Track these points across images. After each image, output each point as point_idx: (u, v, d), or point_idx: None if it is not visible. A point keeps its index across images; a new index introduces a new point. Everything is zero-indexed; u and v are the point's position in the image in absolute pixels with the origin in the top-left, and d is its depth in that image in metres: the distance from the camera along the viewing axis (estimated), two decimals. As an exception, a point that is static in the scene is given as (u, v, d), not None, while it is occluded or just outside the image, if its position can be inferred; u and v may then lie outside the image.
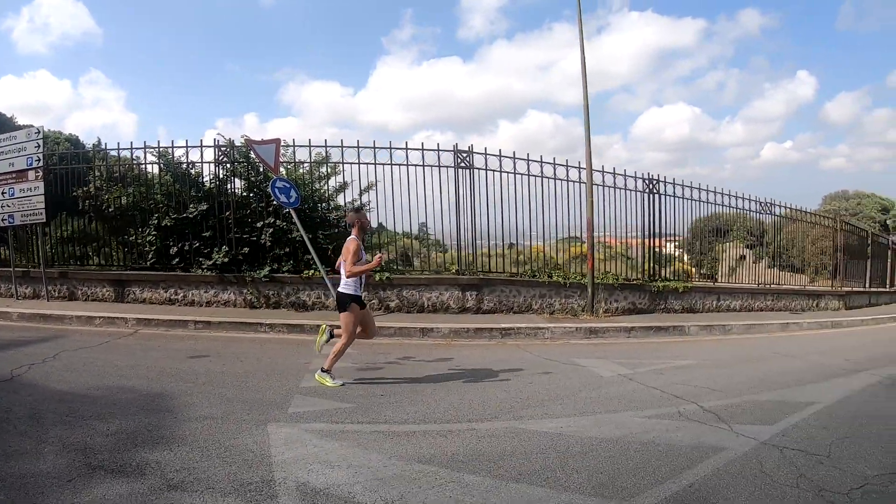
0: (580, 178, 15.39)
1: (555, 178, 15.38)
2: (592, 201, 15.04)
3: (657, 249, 17.60)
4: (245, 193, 14.36)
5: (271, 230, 13.61)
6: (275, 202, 12.43)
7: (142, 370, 7.96)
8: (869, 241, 26.81)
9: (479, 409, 6.52)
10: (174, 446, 5.02)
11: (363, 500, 4.06)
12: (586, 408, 6.78)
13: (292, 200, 11.72)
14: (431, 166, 14.14)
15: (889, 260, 30.06)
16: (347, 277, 7.24)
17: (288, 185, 11.78)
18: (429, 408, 6.52)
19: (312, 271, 12.99)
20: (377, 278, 13.65)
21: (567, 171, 15.49)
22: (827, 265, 24.37)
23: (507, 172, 14.90)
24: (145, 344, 10.03)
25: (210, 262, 13.53)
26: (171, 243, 13.84)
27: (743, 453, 5.33)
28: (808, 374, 9.60)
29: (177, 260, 13.83)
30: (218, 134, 15.34)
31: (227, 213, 13.67)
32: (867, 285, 25.81)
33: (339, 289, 7.39)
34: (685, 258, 25.61)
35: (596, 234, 15.67)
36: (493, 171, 14.75)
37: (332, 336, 7.68)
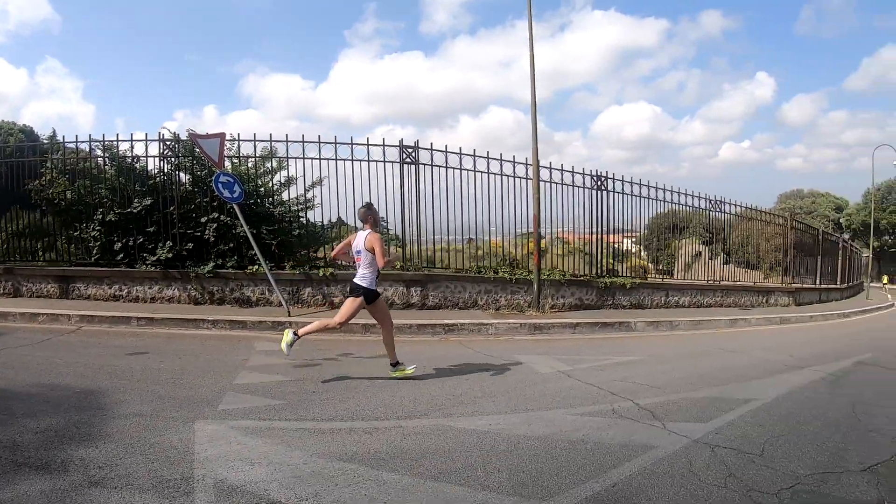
0: (527, 174, 15.32)
1: (501, 175, 15.29)
2: (539, 197, 14.97)
3: (616, 245, 17.95)
4: (190, 188, 14.18)
5: (215, 225, 13.37)
6: (219, 197, 12.17)
7: (79, 367, 7.80)
8: (820, 239, 27.32)
9: (409, 407, 6.43)
10: (100, 443, 4.94)
11: (278, 498, 4.01)
12: (519, 405, 6.67)
13: (236, 195, 11.58)
14: (377, 161, 13.98)
15: (840, 257, 30.44)
16: (382, 267, 7.54)
17: (232, 180, 11.62)
18: (359, 405, 6.42)
19: (257, 267, 12.80)
20: (321, 274, 13.50)
21: (514, 167, 15.44)
22: (781, 262, 24.33)
23: (453, 168, 14.82)
24: (87, 341, 9.82)
25: (154, 258, 13.29)
26: (116, 239, 13.59)
27: (673, 452, 5.23)
28: (751, 371, 9.57)
29: (121, 255, 13.58)
30: (163, 127, 14.98)
31: (172, 208, 13.44)
32: (818, 282, 26.28)
33: (358, 280, 7.60)
34: (643, 254, 25.76)
35: (550, 230, 15.95)
36: (439, 166, 14.71)
37: (296, 336, 7.57)
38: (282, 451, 4.90)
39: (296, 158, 14.23)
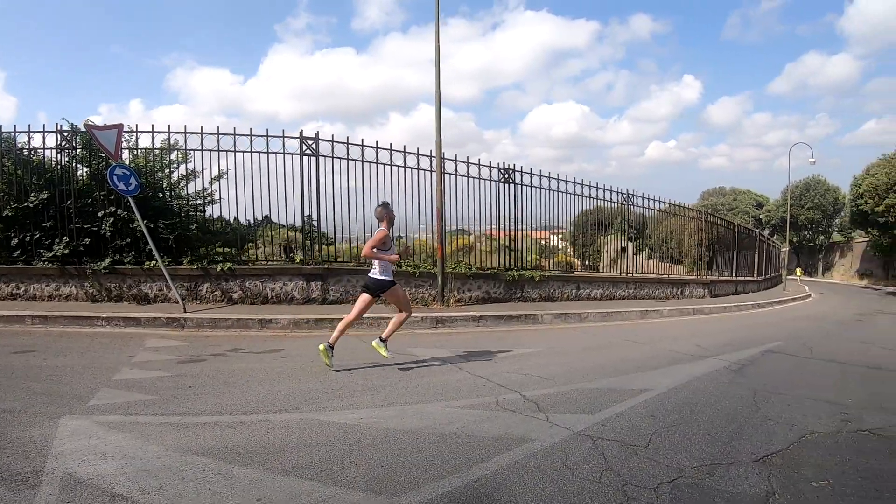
0: (431, 167, 15.01)
1: (405, 167, 14.98)
2: (443, 190, 14.73)
3: (543, 242, 17.98)
4: (88, 182, 13.66)
5: (112, 220, 12.98)
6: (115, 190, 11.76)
7: (-42, 366, 7.47)
8: (736, 234, 27.85)
9: (283, 401, 6.26)
10: (-41, 438, 4.77)
11: (121, 492, 3.89)
12: (399, 398, 6.52)
13: (132, 188, 11.21)
14: (276, 153, 13.71)
15: (757, 251, 31.08)
16: (363, 256, 8.19)
17: (128, 173, 11.24)
18: (232, 399, 6.25)
19: (154, 263, 12.32)
20: (218, 269, 13.05)
21: (418, 159, 15.14)
22: (703, 256, 24.66)
23: (355, 160, 14.44)
24: (-24, 341, 9.39)
25: (51, 254, 12.83)
26: (13, 234, 13.04)
27: (550, 445, 5.01)
28: (653, 361, 9.38)
29: (18, 252, 13.05)
30: (62, 118, 14.22)
31: (69, 202, 12.96)
32: (734, 274, 26.71)
33: (371, 274, 7.99)
34: (570, 250, 25.93)
35: (479, 226, 15.88)
36: (340, 158, 14.30)
37: (331, 348, 7.91)
38: (139, 446, 4.77)
39: (195, 150, 13.78)
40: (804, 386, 8.10)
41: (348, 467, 4.38)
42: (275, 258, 14.68)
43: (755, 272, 30.88)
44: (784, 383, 8.17)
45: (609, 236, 23.48)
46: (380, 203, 8.44)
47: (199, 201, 14.62)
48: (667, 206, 22.26)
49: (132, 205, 11.38)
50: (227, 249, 14.57)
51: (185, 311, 11.53)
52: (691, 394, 7.25)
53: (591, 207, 20.07)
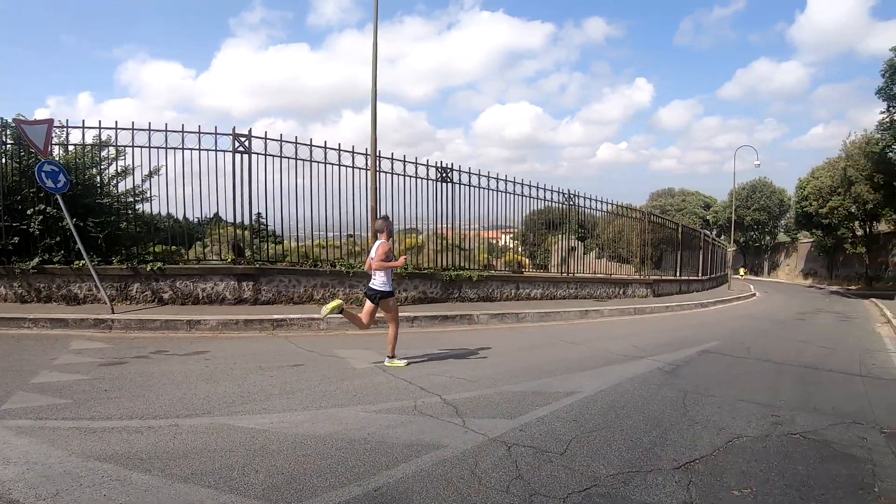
0: (366, 165, 14.69)
1: (340, 165, 14.55)
2: (377, 188, 14.42)
3: (493, 241, 18.00)
4: (18, 178, 13.02)
5: (41, 218, 12.45)
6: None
7: None
8: (680, 234, 27.96)
9: (197, 405, 6.07)
10: None
11: (17, 497, 3.79)
12: (314, 402, 6.33)
13: (60, 185, 10.85)
14: (208, 150, 13.27)
15: (702, 251, 31.29)
16: (374, 270, 8.37)
17: (56, 170, 10.88)
18: (146, 403, 6.06)
19: (83, 262, 11.80)
20: (148, 269, 12.54)
21: (353, 157, 14.75)
22: (648, 256, 24.73)
23: (289, 158, 14.04)
24: None
25: None
26: None
27: (461, 452, 4.83)
28: (585, 363, 9.20)
29: None
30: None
31: None
32: (678, 274, 26.82)
33: (377, 286, 8.38)
34: (520, 249, 25.93)
35: (428, 225, 15.70)
36: (273, 156, 13.87)
37: (341, 311, 8.41)
38: (43, 451, 4.63)
39: (126, 147, 13.28)
40: (737, 387, 7.96)
41: (248, 474, 4.24)
42: (213, 257, 14.30)
43: (700, 272, 31.21)
44: (717, 385, 8.02)
45: (558, 236, 23.42)
46: (380, 216, 9.04)
47: (130, 199, 14.12)
48: (609, 206, 22.24)
49: (60, 202, 10.99)
50: (173, 248, 14.16)
51: (112, 313, 11.15)
52: (619, 396, 7.05)
53: (542, 207, 19.99)
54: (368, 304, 8.55)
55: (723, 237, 52.37)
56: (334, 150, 14.37)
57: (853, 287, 45.33)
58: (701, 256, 32.06)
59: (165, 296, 12.78)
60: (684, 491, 4.26)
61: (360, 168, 14.72)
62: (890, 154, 35.16)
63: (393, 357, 8.46)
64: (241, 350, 9.19)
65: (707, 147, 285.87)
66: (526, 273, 18.44)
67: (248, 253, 14.03)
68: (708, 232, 41.48)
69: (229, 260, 13.53)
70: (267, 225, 14.88)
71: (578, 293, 18.97)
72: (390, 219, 9.17)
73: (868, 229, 45.64)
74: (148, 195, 13.84)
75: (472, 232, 17.89)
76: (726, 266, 42.71)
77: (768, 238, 72.52)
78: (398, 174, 15.33)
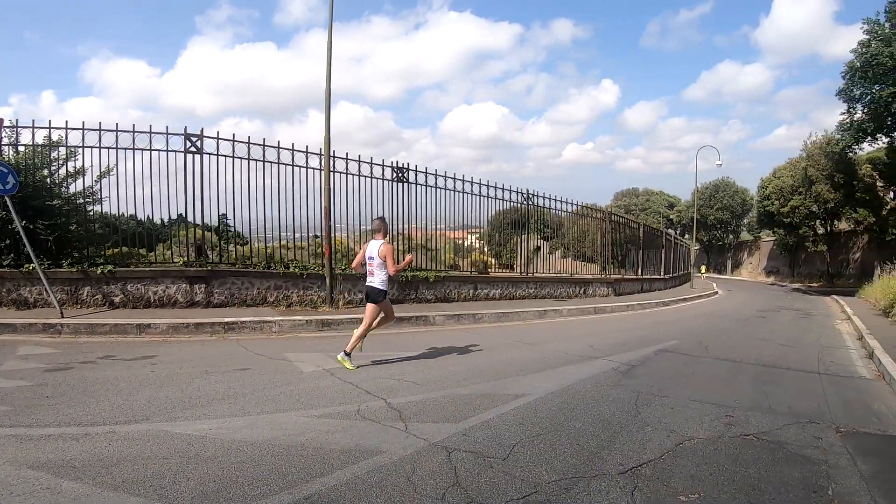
0: (320, 165, 14.38)
1: (293, 165, 14.23)
2: (330, 188, 14.12)
3: (459, 241, 17.77)
4: None
5: None
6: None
7: None
8: (642, 233, 28.12)
9: (138, 410, 5.93)
10: None
11: None
12: (256, 407, 6.18)
13: (9, 187, 10.51)
14: (159, 151, 12.90)
15: (664, 250, 31.41)
16: (393, 274, 8.57)
17: (5, 171, 10.53)
18: (86, 410, 5.89)
19: (33, 265, 11.40)
20: (98, 272, 12.14)
21: (307, 157, 14.43)
22: (609, 255, 24.75)
23: (241, 158, 13.65)
24: None
25: None
26: None
27: (399, 458, 4.72)
28: (539, 363, 9.04)
29: None
30: None
31: None
32: (640, 273, 26.92)
33: (376, 285, 8.43)
34: (486, 249, 25.87)
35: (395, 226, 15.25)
36: (224, 156, 13.48)
37: (347, 355, 8.26)
38: None
39: (76, 147, 12.81)
40: (692, 387, 7.83)
41: (180, 482, 4.14)
42: (177, 259, 13.94)
43: (662, 271, 31.37)
44: (671, 385, 7.89)
45: (523, 236, 23.34)
46: (377, 217, 9.06)
47: (81, 200, 13.57)
48: (569, 205, 22.09)
49: (9, 204, 10.64)
50: (136, 250, 13.78)
51: (62, 317, 10.81)
52: (570, 398, 6.88)
53: (507, 208, 19.89)
54: (371, 306, 8.57)
55: (686, 236, 52.76)
56: (287, 149, 14.06)
57: (814, 284, 45.95)
58: (663, 255, 32.18)
59: (116, 299, 12.42)
60: (628, 497, 4.11)
61: (314, 168, 14.43)
62: (850, 154, 35.79)
63: (348, 354, 8.30)
64: (189, 354, 9.01)
65: (672, 147, 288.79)
66: (488, 273, 18.19)
67: (211, 255, 13.79)
68: (670, 231, 41.64)
69: (181, 263, 13.25)
70: (234, 227, 14.63)
71: (538, 293, 18.85)
72: (386, 222, 9.36)
73: (829, 228, 46.21)
74: (100, 196, 13.48)
75: (436, 232, 17.81)
76: (689, 265, 43.00)
77: (731, 237, 73.16)
78: (353, 174, 15.03)
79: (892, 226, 36.56)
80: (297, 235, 15.00)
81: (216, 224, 14.91)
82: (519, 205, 19.69)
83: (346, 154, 14.89)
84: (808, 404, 7.14)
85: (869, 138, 32.74)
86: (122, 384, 6.93)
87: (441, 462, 4.62)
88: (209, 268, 13.15)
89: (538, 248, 21.88)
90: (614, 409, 6.48)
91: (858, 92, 31.13)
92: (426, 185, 16.50)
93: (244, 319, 11.42)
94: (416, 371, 8.13)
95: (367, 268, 8.57)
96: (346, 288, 14.32)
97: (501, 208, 19.52)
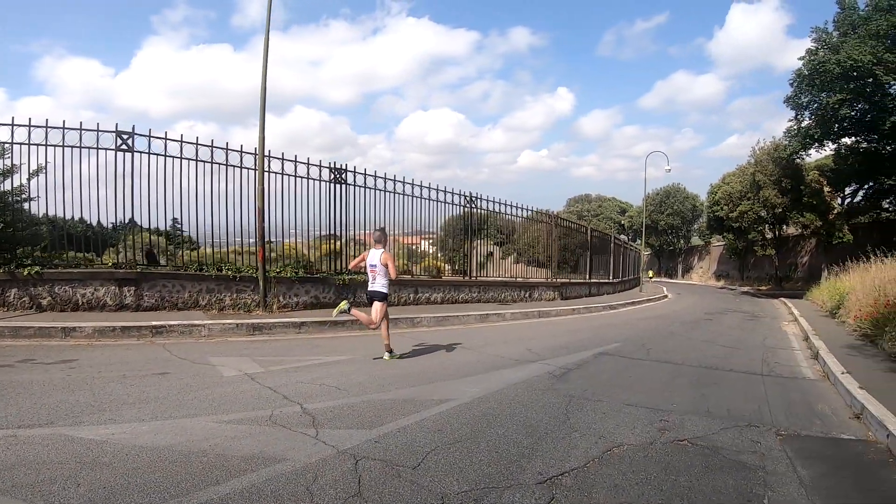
0: (255, 165, 13.84)
1: (227, 165, 13.72)
2: (264, 190, 13.63)
3: (413, 247, 17.84)
4: None
5: None
6: None
7: None
8: (590, 237, 28.15)
9: (43, 414, 5.68)
10: None
11: None
12: (166, 411, 5.92)
13: None
14: (89, 148, 12.38)
15: (613, 254, 31.57)
16: (394, 278, 9.72)
17: None
18: None
19: None
20: (25, 273, 11.69)
21: (241, 157, 13.90)
22: (554, 259, 24.62)
23: (173, 157, 13.12)
24: None
25: None
26: None
27: (302, 466, 4.47)
28: (472, 367, 8.71)
29: None
30: None
31: None
32: (588, 276, 26.92)
33: (379, 288, 9.41)
34: (439, 255, 25.65)
35: (353, 231, 15.45)
36: (158, 154, 12.96)
37: (349, 310, 9.51)
38: None
39: (4, 143, 12.24)
40: (629, 391, 7.53)
41: (69, 487, 3.96)
42: (90, 263, 13.18)
43: (611, 275, 31.38)
44: (607, 389, 7.59)
45: (477, 241, 23.15)
46: (377, 228, 10.24)
47: (11, 199, 12.94)
48: (513, 208, 21.50)
49: None
50: (79, 254, 13.28)
51: (-14, 319, 10.23)
52: (497, 404, 6.55)
53: (460, 213, 19.66)
54: (382, 305, 9.40)
55: (638, 241, 53.07)
56: (221, 148, 13.57)
57: (763, 287, 46.50)
58: (612, 259, 32.25)
59: (44, 302, 11.95)
60: (541, 510, 3.76)
61: (248, 168, 13.93)
62: (797, 160, 36.25)
63: (391, 351, 9.32)
64: (111, 358, 8.66)
65: (626, 155, 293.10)
66: (440, 278, 17.80)
67: (163, 260, 13.51)
68: (622, 236, 41.88)
69: (110, 265, 12.77)
70: (185, 231, 14.37)
71: (482, 297, 18.57)
72: (385, 232, 10.35)
73: (777, 232, 46.73)
74: (29, 196, 12.91)
75: (390, 238, 17.27)
76: (639, 269, 43.16)
77: (682, 242, 74.04)
78: (289, 175, 14.56)
79: (838, 230, 37.00)
80: (252, 240, 14.45)
81: (167, 229, 14.54)
82: (463, 208, 19.34)
83: (283, 154, 14.44)
84: (749, 407, 6.92)
85: (816, 144, 33.23)
86: (36, 388, 6.65)
87: (346, 471, 4.35)
88: (138, 270, 12.66)
89: (491, 254, 21.73)
90: (542, 414, 6.17)
91: (806, 99, 31.58)
92: (365, 187, 16.09)
93: (172, 323, 11.02)
94: (341, 375, 7.83)
95: (370, 274, 9.51)
96: (280, 291, 13.90)
97: (453, 213, 19.29)
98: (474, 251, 21.58)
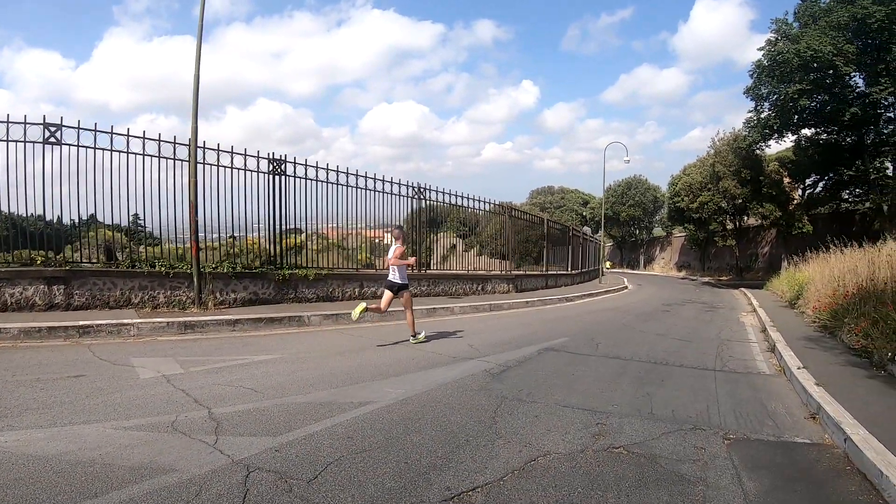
0: (188, 155, 13.18)
1: (160, 157, 13.02)
2: (196, 182, 13.05)
3: (377, 241, 17.80)
4: None
5: None
6: None
7: None
8: (546, 228, 27.94)
9: None
10: None
11: None
12: (66, 417, 5.52)
13: None
14: (16, 142, 11.70)
15: (571, 245, 31.50)
16: (390, 263, 10.48)
17: None
18: None
19: None
20: None
21: (174, 148, 13.19)
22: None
23: (103, 149, 12.44)
24: None
25: None
26: None
27: (189, 478, 4.11)
28: (403, 366, 8.24)
29: None
30: None
31: None
32: (545, 268, 26.74)
33: (393, 278, 10.47)
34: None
35: (305, 225, 15.18)
36: (86, 147, 12.27)
37: (367, 309, 10.54)
38: None
39: None
40: (568, 390, 7.08)
41: None
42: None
43: (570, 266, 31.18)
44: (545, 388, 7.13)
45: (440, 234, 22.80)
46: (396, 226, 11.64)
47: None
48: (462, 199, 20.89)
49: None
50: (22, 252, 12.48)
51: None
52: (420, 406, 6.08)
53: (423, 206, 19.46)
54: (387, 294, 10.62)
55: (600, 232, 52.98)
56: (153, 140, 12.93)
57: (724, 278, 47.12)
58: (571, 251, 32.07)
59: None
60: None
61: (181, 160, 13.26)
62: (757, 151, 36.42)
63: (415, 335, 10.54)
64: (31, 360, 8.20)
65: (589, 148, 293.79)
66: (365, 271, 17.18)
67: (121, 256, 13.13)
68: (585, 228, 41.70)
69: (39, 262, 12.10)
70: (145, 226, 14.05)
71: (432, 290, 18.15)
72: (404, 229, 11.78)
73: (738, 223, 47.17)
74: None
75: (352, 231, 17.55)
76: (599, 261, 43.20)
77: (644, 233, 74.37)
78: (225, 167, 13.91)
79: (798, 220, 37.27)
80: (215, 236, 14.46)
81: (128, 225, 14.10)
82: (412, 199, 18.80)
83: (218, 145, 13.81)
84: (696, 407, 6.50)
85: (775, 135, 33.49)
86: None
87: (234, 484, 3.99)
88: (67, 268, 12.09)
89: (454, 246, 21.35)
90: (467, 418, 5.70)
91: (766, 90, 31.80)
92: (306, 178, 15.47)
93: (100, 322, 10.48)
94: (263, 376, 7.37)
95: (390, 266, 10.59)
96: (217, 288, 13.35)
97: (404, 206, 18.88)
98: (432, 243, 21.20)
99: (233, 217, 14.10)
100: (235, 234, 14.75)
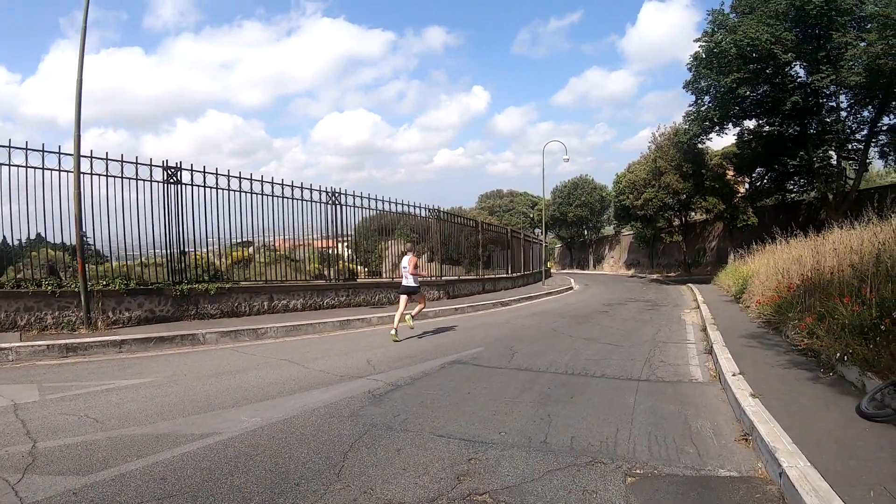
0: (71, 166, 12.20)
1: (44, 168, 11.93)
2: (80, 194, 12.18)
3: (330, 251, 17.38)
4: None
5: None
6: None
7: None
8: (480, 231, 27.44)
9: None
10: None
11: None
12: None
13: None
14: None
15: (512, 248, 31.35)
16: (410, 275, 12.49)
17: None
18: None
19: None
20: None
21: (59, 159, 12.18)
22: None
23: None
24: None
25: None
26: None
27: None
28: (277, 388, 7.44)
29: None
30: None
31: None
32: (479, 272, 26.20)
33: (406, 283, 12.47)
34: (353, 257, 24.61)
35: (263, 237, 14.75)
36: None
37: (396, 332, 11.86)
38: None
39: None
40: (453, 413, 6.27)
41: None
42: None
43: (510, 269, 30.74)
44: (426, 412, 6.30)
45: (391, 241, 22.74)
46: (408, 241, 15.03)
47: None
48: (382, 203, 19.77)
49: None
50: None
51: None
52: (268, 439, 5.30)
53: (373, 215, 19.45)
54: (404, 298, 12.31)
55: (549, 234, 52.66)
56: (36, 150, 11.92)
57: (672, 274, 47.39)
58: (512, 253, 31.64)
59: None
60: None
61: (66, 171, 12.25)
62: (699, 144, 36.30)
63: (414, 317, 12.60)
64: None
65: (540, 151, 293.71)
66: (276, 283, 16.19)
67: (64, 276, 12.50)
68: (518, 230, 41.02)
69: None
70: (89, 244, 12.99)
71: (352, 300, 17.27)
72: (416, 245, 14.16)
73: (684, 219, 47.48)
74: None
75: (302, 242, 17.08)
76: (543, 262, 42.93)
77: (592, 233, 74.32)
78: (114, 176, 12.90)
79: (742, 212, 37.33)
80: (166, 252, 13.67)
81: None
82: (327, 206, 17.65)
83: (107, 154, 12.87)
84: (603, 431, 5.61)
85: (717, 128, 33.42)
86: None
87: None
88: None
89: (404, 253, 20.60)
90: (315, 454, 4.90)
91: (705, 83, 31.73)
92: (205, 186, 14.43)
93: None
94: (117, 403, 6.73)
95: (404, 273, 12.53)
96: (110, 306, 12.40)
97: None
98: (383, 251, 20.72)
99: (132, 232, 13.19)
100: (187, 249, 14.21)
